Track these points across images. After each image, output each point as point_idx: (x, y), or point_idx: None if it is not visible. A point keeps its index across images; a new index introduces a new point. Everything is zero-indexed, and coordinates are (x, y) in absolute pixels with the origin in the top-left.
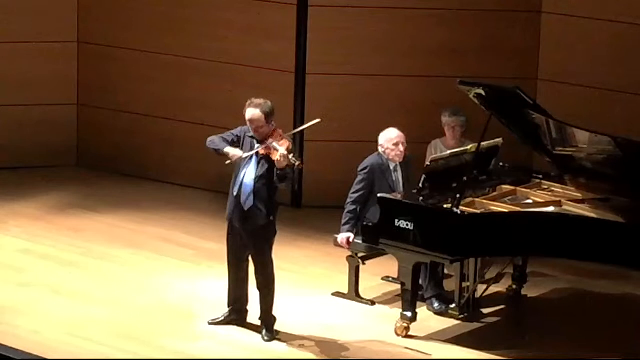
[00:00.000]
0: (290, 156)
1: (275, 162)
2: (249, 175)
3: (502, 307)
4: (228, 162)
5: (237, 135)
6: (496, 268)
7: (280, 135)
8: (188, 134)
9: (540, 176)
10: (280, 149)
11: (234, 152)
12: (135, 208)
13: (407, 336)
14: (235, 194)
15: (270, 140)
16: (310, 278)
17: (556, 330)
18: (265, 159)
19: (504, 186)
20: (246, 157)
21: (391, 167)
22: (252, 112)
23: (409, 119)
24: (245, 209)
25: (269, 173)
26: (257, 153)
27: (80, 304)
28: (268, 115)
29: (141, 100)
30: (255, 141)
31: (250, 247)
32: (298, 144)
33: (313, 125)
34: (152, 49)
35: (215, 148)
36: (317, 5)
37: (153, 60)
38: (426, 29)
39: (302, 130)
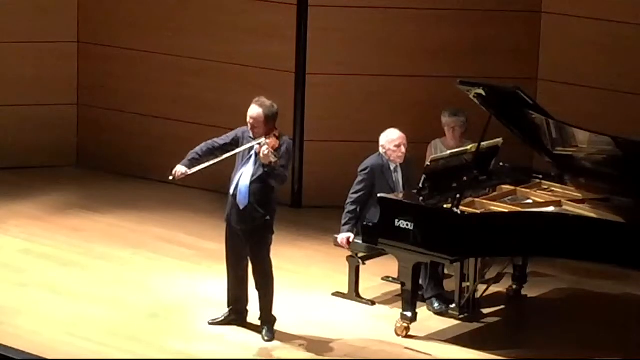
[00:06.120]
0: (271, 153)
1: (260, 158)
2: (245, 175)
3: (502, 307)
4: (171, 177)
5: (233, 138)
6: (496, 268)
7: (274, 135)
8: (188, 134)
9: (540, 176)
10: (264, 147)
11: (177, 168)
12: (135, 208)
13: (407, 336)
14: (232, 193)
15: (264, 139)
16: (310, 278)
17: (556, 330)
18: None
19: (504, 186)
20: (190, 173)
21: (391, 168)
22: (254, 109)
23: (409, 119)
24: (241, 207)
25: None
26: (255, 153)
27: (80, 304)
28: (268, 117)
29: (141, 100)
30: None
31: (247, 247)
32: (298, 145)
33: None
34: (152, 49)
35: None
36: (317, 5)
37: (153, 60)
38: (426, 29)
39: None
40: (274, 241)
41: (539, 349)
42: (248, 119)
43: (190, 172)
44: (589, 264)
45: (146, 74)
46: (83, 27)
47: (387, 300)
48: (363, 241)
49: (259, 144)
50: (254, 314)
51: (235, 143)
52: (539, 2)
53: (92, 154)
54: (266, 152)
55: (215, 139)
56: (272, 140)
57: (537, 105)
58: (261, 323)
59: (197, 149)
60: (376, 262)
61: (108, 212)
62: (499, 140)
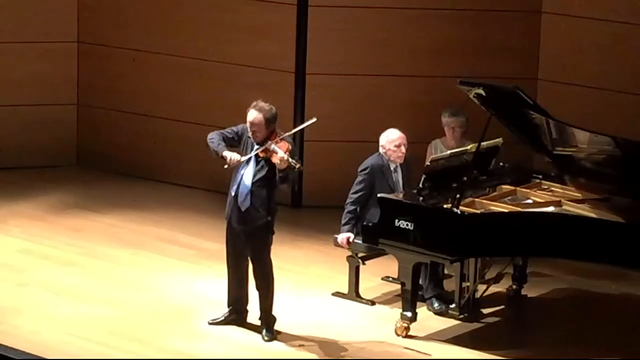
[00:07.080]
0: (290, 158)
1: (276, 164)
2: (247, 175)
3: (502, 307)
4: (226, 166)
5: (237, 133)
6: (496, 268)
7: (280, 137)
8: (188, 134)
9: (540, 176)
10: (280, 152)
11: (232, 155)
12: (135, 208)
13: (407, 336)
14: (233, 194)
15: (269, 142)
16: (310, 278)
17: (556, 330)
18: (265, 160)
19: (504, 186)
20: (244, 160)
21: (391, 168)
22: (253, 115)
23: (409, 119)
24: (243, 209)
25: (268, 174)
26: (256, 155)
27: (80, 304)
28: (269, 121)
29: (141, 101)
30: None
31: (248, 247)
32: (298, 144)
33: (310, 124)
34: (152, 49)
35: (214, 149)
36: (317, 5)
37: (153, 60)
38: (426, 29)
39: (301, 130)
40: (274, 241)
41: (539, 349)
42: (248, 125)
43: (243, 159)
44: (589, 264)
45: (146, 74)
46: (83, 27)
47: (387, 300)
48: (363, 241)
49: (265, 148)
50: (254, 314)
51: (239, 138)
52: (539, 2)
53: (92, 154)
54: (285, 157)
55: (222, 131)
56: (283, 144)
57: (537, 105)
58: (261, 323)
59: (216, 138)
60: (376, 262)
61: (108, 212)
62: (499, 140)
